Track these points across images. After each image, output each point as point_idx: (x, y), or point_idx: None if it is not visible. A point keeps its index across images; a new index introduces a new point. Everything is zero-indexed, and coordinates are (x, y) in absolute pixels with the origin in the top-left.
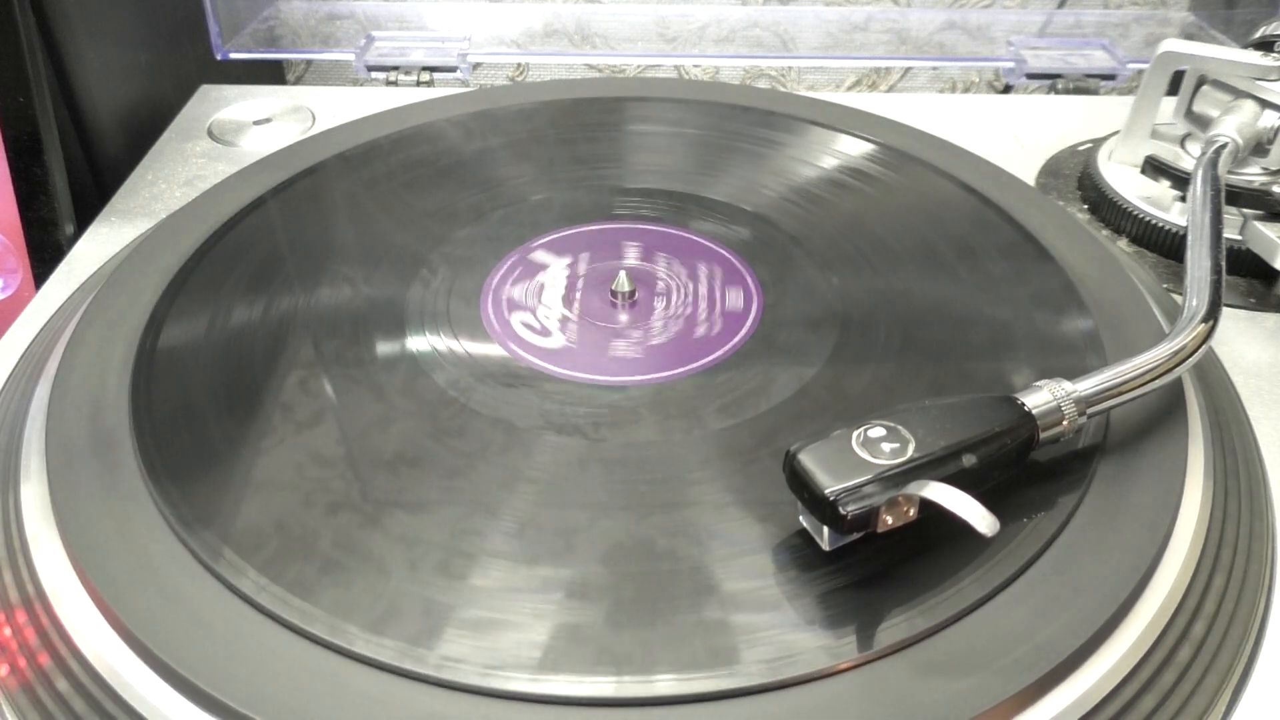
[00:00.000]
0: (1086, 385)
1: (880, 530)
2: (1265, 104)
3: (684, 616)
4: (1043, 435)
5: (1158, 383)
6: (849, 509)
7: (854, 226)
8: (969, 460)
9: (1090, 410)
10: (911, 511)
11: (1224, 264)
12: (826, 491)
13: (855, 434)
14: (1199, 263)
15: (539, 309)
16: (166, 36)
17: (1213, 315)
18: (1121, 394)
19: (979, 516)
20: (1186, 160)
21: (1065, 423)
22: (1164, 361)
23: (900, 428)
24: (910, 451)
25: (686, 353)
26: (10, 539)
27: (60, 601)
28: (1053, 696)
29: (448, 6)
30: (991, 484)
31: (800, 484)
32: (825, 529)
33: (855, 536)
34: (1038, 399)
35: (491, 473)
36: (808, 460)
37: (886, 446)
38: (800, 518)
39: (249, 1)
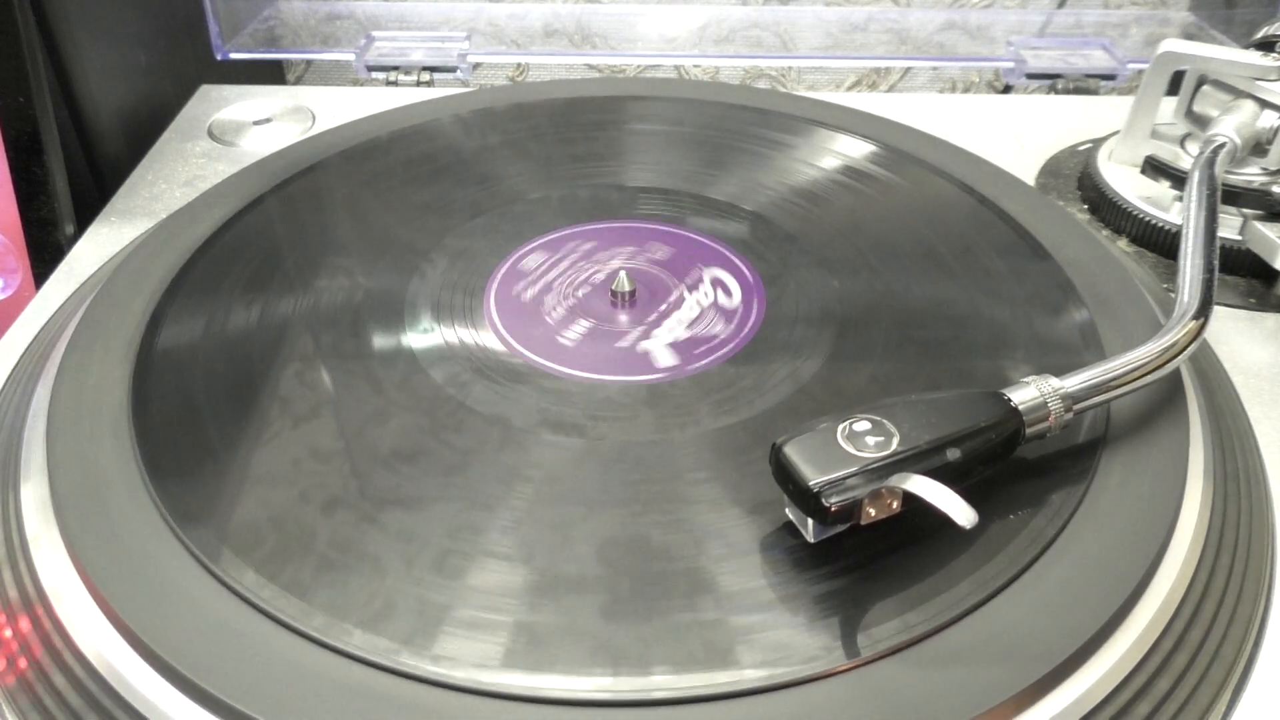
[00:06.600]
0: (1074, 381)
1: (864, 522)
2: (1265, 104)
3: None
4: (1029, 431)
5: (1147, 379)
6: (832, 501)
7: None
8: (953, 454)
9: (1079, 407)
10: (895, 504)
11: (1217, 263)
12: (810, 484)
13: (840, 427)
14: (1192, 260)
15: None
16: (166, 36)
17: (1204, 312)
18: (1110, 390)
19: (958, 509)
20: (1186, 160)
21: (1051, 419)
22: (1154, 358)
23: (885, 421)
24: (894, 445)
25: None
26: (10, 539)
27: (60, 601)
28: (1053, 697)
29: (448, 6)
30: (977, 478)
31: (785, 476)
32: (810, 521)
33: (840, 529)
34: (1024, 395)
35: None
36: (792, 452)
37: (871, 440)
38: (786, 510)
39: (249, 1)
